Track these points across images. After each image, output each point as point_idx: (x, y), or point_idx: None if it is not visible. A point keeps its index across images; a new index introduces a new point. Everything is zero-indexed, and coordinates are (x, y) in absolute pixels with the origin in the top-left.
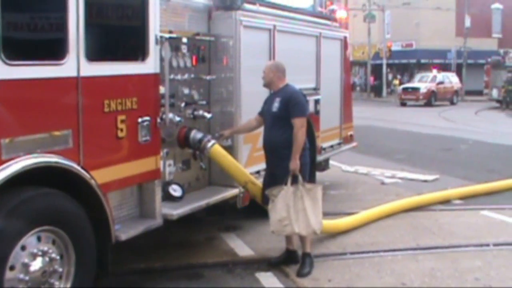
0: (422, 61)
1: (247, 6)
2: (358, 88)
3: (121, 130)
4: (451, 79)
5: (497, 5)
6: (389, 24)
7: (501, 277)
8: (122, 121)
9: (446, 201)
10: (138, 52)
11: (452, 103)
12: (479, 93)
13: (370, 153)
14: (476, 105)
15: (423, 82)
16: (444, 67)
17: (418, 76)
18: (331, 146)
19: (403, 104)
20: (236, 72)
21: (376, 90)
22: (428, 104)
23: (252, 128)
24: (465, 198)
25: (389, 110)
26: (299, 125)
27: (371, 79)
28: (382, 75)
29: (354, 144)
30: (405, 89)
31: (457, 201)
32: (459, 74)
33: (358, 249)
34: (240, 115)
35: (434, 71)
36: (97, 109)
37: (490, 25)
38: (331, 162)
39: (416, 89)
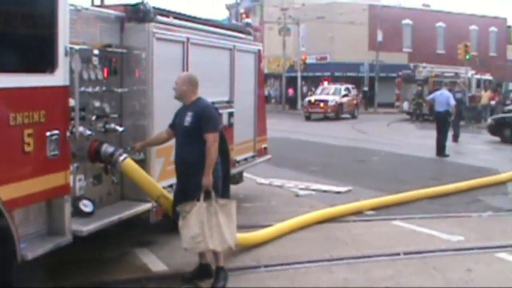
0: (336, 74)
1: (160, 18)
2: (273, 100)
3: (28, 144)
4: (352, 92)
5: (407, 21)
6: (304, 38)
7: (411, 285)
8: (29, 135)
9: (359, 212)
10: (46, 63)
11: (353, 116)
12: (391, 105)
13: (285, 166)
14: (388, 117)
15: (326, 94)
16: (358, 80)
17: (319, 89)
18: (245, 159)
19: (307, 117)
20: (148, 85)
21: (292, 103)
22: (337, 117)
23: (162, 141)
24: (377, 208)
25: (303, 122)
26: (212, 140)
27: (290, 90)
28: (297, 87)
29: (268, 156)
30: (311, 102)
31: (370, 212)
32: (371, 87)
33: (273, 262)
34: (153, 129)
35: (325, 84)
36: (1, 122)
37: (401, 39)
38: (245, 174)
39: (324, 102)
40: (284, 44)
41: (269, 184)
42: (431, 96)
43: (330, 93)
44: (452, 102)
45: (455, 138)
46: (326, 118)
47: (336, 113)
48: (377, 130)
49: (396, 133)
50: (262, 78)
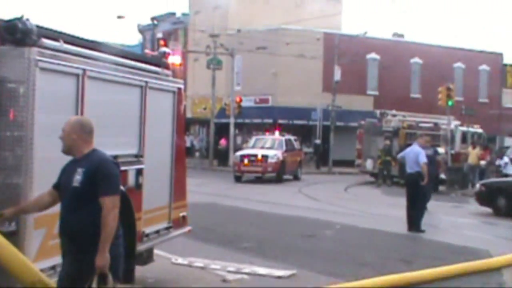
0: (281, 121)
1: (47, 42)
2: (197, 154)
3: None
4: (295, 145)
5: (373, 55)
6: (239, 73)
7: None
8: None
9: None
10: None
11: (295, 177)
12: (350, 163)
13: (210, 241)
14: (346, 179)
15: (262, 148)
16: (308, 130)
17: (252, 140)
18: (157, 232)
19: (237, 178)
20: (27, 130)
21: (222, 157)
22: (279, 178)
23: (44, 206)
24: None
25: (236, 183)
26: (110, 205)
27: (222, 141)
28: (229, 137)
29: (188, 228)
30: (244, 157)
31: None
32: (325, 139)
33: None
34: (31, 189)
35: (276, 133)
36: None
37: (364, 79)
38: (156, 252)
39: (263, 158)
40: (213, 81)
41: (188, 265)
42: (402, 153)
43: (267, 146)
44: (422, 159)
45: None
46: (260, 180)
47: (278, 173)
48: (331, 196)
49: (357, 200)
50: (183, 125)
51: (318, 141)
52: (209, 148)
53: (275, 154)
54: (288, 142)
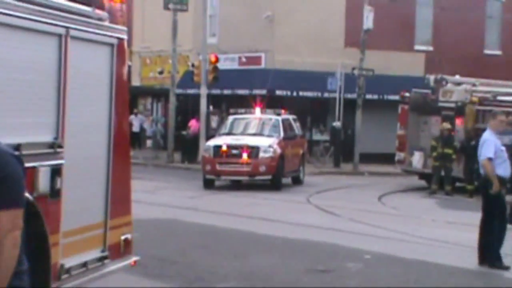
0: (279, 92)
1: None
2: (150, 143)
3: None
4: (296, 130)
5: None
6: (215, 17)
7: None
8: None
9: None
10: None
11: (296, 180)
12: (387, 158)
13: (168, 279)
14: (380, 183)
15: (248, 135)
16: (322, 106)
17: (229, 121)
18: (84, 265)
19: (208, 182)
20: None
21: (190, 148)
22: (276, 182)
23: None
24: None
25: (208, 190)
26: (7, 225)
27: (192, 122)
28: (199, 115)
29: (132, 259)
30: (220, 150)
31: None
32: (348, 121)
33: None
34: None
35: (257, 111)
36: None
37: (411, 27)
38: None
39: (250, 151)
40: (174, 30)
41: None
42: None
43: (254, 132)
44: (485, 153)
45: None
46: (244, 185)
47: (275, 176)
48: (357, 209)
49: (397, 216)
50: (126, 98)
51: (337, 124)
52: (167, 135)
53: (269, 145)
54: (286, 124)
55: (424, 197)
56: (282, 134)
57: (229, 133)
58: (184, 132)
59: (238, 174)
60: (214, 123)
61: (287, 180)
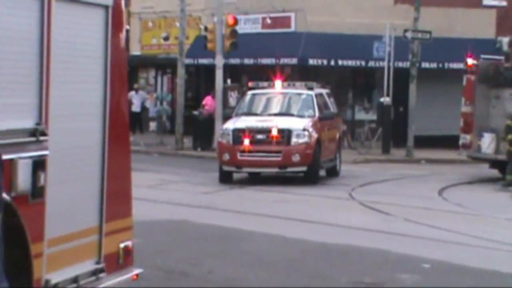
0: (311, 61)
1: None
2: (153, 125)
3: None
4: (332, 107)
5: None
6: None
7: None
8: None
9: None
10: None
11: (332, 172)
12: (449, 142)
13: None
14: (440, 172)
15: (273, 114)
16: (366, 79)
17: (247, 98)
18: (75, 280)
19: (226, 175)
20: None
21: (201, 133)
22: (312, 175)
23: None
24: None
25: (225, 185)
26: None
27: (207, 100)
28: (215, 91)
29: (134, 272)
30: (242, 134)
31: None
32: (400, 96)
33: None
34: None
35: (277, 84)
36: None
37: None
38: None
39: (283, 135)
40: None
41: None
42: None
43: (281, 112)
44: None
45: None
46: (270, 178)
47: (312, 167)
48: (413, 206)
49: (463, 214)
50: (124, 70)
51: (386, 100)
52: (175, 115)
53: (304, 128)
54: (320, 101)
55: (497, 190)
56: (317, 113)
57: (250, 113)
58: (195, 112)
59: (265, 165)
60: (232, 100)
61: (321, 171)
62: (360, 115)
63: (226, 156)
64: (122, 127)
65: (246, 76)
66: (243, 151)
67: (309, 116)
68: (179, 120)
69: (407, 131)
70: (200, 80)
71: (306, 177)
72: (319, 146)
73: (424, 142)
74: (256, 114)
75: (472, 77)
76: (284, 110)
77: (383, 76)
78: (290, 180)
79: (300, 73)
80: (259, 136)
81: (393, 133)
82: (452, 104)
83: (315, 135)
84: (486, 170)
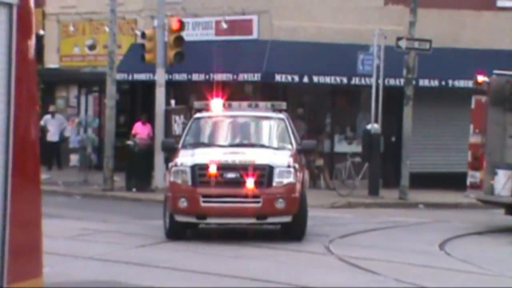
0: (278, 77)
1: None
2: (75, 159)
3: None
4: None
5: None
6: None
7: None
8: None
9: None
10: None
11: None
12: (454, 181)
13: None
14: (443, 220)
15: (242, 145)
16: (353, 97)
17: (192, 123)
18: None
19: (178, 228)
20: None
21: (137, 169)
22: (298, 227)
23: None
24: None
25: (170, 241)
26: None
27: (137, 128)
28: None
29: None
30: (206, 174)
31: None
32: (390, 121)
33: None
34: None
35: (236, 106)
36: None
37: None
38: None
39: (260, 173)
40: None
41: None
42: None
43: (246, 141)
44: None
45: None
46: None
47: (298, 215)
48: (408, 262)
49: (472, 274)
50: (34, 87)
51: (374, 127)
52: (103, 146)
53: (288, 165)
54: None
55: None
56: (294, 143)
57: (204, 144)
58: (129, 142)
59: (238, 215)
60: (177, 127)
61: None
62: (341, 147)
63: (183, 203)
64: (31, 161)
65: (195, 96)
66: (208, 196)
67: (286, 148)
68: (109, 153)
69: (400, 167)
70: (136, 101)
71: (290, 230)
72: (304, 189)
73: (422, 181)
74: (214, 145)
75: (483, 99)
76: (254, 140)
77: (370, 96)
78: (257, 231)
79: (264, 93)
80: (230, 175)
81: (383, 169)
82: (457, 133)
83: (300, 174)
84: (501, 216)
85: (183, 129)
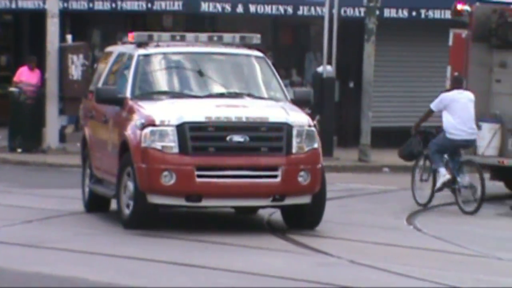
0: (204, 6)
1: None
2: None
3: None
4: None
5: None
6: None
7: None
8: None
9: None
10: None
11: None
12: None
13: None
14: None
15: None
16: (301, 32)
17: (139, 62)
18: None
19: (143, 217)
20: None
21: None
22: (318, 210)
23: None
24: None
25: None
26: None
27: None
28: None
29: None
30: (201, 135)
31: None
32: (348, 59)
33: None
34: None
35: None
36: None
37: None
38: None
39: (277, 135)
40: None
41: None
42: None
43: (227, 90)
44: None
45: None
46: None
47: (319, 194)
48: (369, 241)
49: (448, 253)
50: None
51: (327, 70)
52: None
53: (309, 123)
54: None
55: (501, 215)
56: (286, 93)
57: (167, 92)
58: (13, 90)
59: (249, 194)
60: (75, 70)
61: None
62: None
63: (167, 178)
64: None
65: (98, 32)
66: (206, 168)
67: (281, 99)
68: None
69: (360, 121)
70: (22, 36)
71: (307, 215)
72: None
73: (388, 138)
74: (187, 95)
75: (464, 33)
76: (238, 88)
77: (322, 31)
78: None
79: (188, 26)
80: (236, 138)
81: (338, 123)
82: (431, 76)
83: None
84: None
85: (82, 72)
